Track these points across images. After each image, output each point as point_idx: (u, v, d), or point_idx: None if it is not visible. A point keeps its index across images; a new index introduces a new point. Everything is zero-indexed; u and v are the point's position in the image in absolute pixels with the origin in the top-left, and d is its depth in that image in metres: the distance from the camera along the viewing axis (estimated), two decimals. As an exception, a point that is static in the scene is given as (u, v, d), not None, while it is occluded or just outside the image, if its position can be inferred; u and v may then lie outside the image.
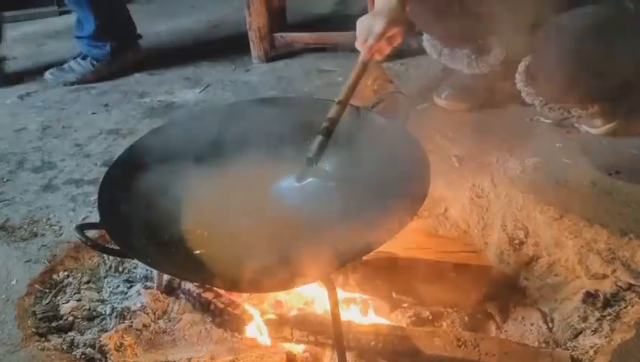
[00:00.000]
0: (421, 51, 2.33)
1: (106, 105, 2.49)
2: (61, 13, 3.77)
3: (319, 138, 1.30)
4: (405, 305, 1.41)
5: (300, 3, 3.32)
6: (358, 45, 1.46)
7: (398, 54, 2.66)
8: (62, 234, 1.66)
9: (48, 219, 1.73)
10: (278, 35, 2.89)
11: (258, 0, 2.72)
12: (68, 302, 1.45)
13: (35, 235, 1.67)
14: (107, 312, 1.42)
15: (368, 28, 1.44)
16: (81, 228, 1.07)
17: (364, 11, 2.63)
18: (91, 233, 1.41)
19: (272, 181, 1.34)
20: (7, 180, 1.96)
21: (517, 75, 1.86)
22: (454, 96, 2.12)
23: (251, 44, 2.82)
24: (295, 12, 3.16)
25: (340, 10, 3.48)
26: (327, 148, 1.30)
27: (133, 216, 1.17)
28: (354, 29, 1.49)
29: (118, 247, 1.08)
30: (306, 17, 3.23)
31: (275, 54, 2.87)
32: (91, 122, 2.34)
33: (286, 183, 1.32)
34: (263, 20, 2.78)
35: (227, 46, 3.04)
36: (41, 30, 3.54)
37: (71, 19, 3.69)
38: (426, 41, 2.08)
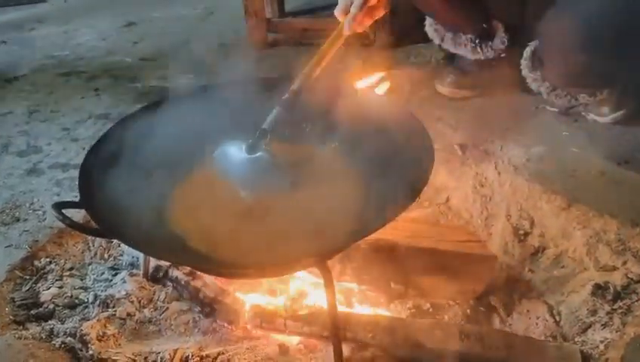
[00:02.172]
0: (422, 39, 2.27)
1: (96, 89, 2.41)
2: (51, -2, 3.70)
3: (277, 109, 1.26)
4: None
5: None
6: (337, 14, 1.35)
7: (398, 42, 2.61)
8: (45, 219, 1.59)
9: (32, 204, 1.66)
10: (275, 21, 2.82)
11: (255, -15, 2.65)
12: (49, 289, 1.38)
13: (17, 220, 1.60)
14: (90, 300, 1.35)
15: None
16: (59, 206, 1.00)
17: None
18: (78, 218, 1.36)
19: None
20: (-10, 164, 1.89)
21: (522, 60, 1.80)
22: (457, 83, 2.05)
23: (248, 30, 2.75)
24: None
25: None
26: (286, 120, 1.26)
27: (116, 196, 1.10)
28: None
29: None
30: (304, 4, 3.16)
31: (272, 41, 2.79)
32: (80, 107, 2.27)
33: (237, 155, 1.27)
34: (260, 6, 2.71)
35: (223, 32, 2.97)
36: (32, 15, 3.46)
37: (63, 4, 3.64)
38: (429, 26, 2.01)
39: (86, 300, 1.35)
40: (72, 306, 1.35)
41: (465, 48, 1.95)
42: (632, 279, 1.29)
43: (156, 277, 1.37)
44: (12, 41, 3.07)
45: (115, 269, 1.45)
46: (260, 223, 1.18)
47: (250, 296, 1.31)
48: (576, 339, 1.22)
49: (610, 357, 1.14)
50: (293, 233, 1.15)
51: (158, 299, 1.33)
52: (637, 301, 1.24)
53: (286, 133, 1.32)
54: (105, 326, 1.24)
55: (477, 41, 1.92)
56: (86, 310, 1.33)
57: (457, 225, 1.58)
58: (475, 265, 1.35)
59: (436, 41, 2.02)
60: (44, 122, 2.17)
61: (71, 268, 1.46)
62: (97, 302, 1.33)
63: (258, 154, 1.25)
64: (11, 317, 1.30)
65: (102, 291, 1.38)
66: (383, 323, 1.21)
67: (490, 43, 1.91)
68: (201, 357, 1.17)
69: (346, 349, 1.15)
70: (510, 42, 1.89)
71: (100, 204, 1.05)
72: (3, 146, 1.99)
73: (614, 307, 1.25)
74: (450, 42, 1.97)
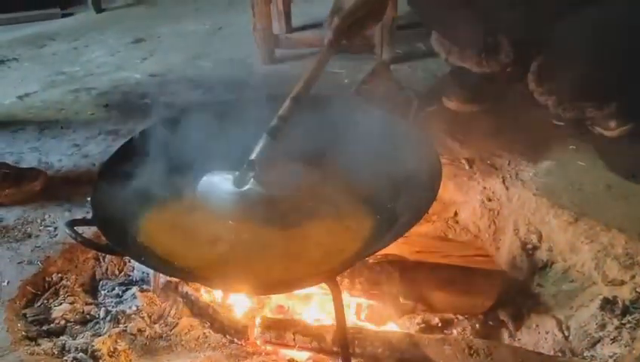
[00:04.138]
0: (429, 53, 2.28)
1: (106, 105, 2.44)
2: (64, 16, 3.73)
3: (264, 138, 1.20)
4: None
5: (305, 5, 3.28)
6: (326, 24, 1.30)
7: (405, 57, 2.63)
8: (56, 235, 1.60)
9: (43, 220, 1.67)
10: (282, 36, 2.84)
11: (263, 1, 2.67)
12: (60, 304, 1.40)
13: (29, 236, 1.61)
14: (101, 316, 1.36)
15: (339, 3, 1.28)
16: (72, 223, 1.02)
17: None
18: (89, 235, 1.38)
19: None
20: (2, 180, 1.90)
21: (529, 74, 1.80)
22: (464, 97, 2.05)
23: (255, 45, 2.77)
24: (300, 14, 3.11)
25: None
26: (274, 149, 1.19)
27: (127, 214, 1.12)
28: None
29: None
30: (311, 19, 3.18)
31: (279, 56, 2.82)
32: (90, 123, 2.29)
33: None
34: (268, 21, 2.73)
35: (231, 48, 2.99)
36: (43, 31, 3.50)
37: (73, 21, 3.69)
38: (435, 40, 2.02)
39: (97, 316, 1.37)
40: (84, 322, 1.36)
41: (471, 62, 1.95)
42: (640, 293, 1.29)
43: (166, 293, 1.37)
44: (23, 57, 3.10)
45: (126, 285, 1.46)
46: (271, 240, 1.18)
47: (259, 312, 1.32)
48: (585, 354, 1.22)
49: (620, 372, 1.14)
50: (303, 249, 1.16)
51: (168, 315, 1.33)
52: (646, 315, 1.24)
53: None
54: (116, 342, 1.25)
55: (483, 55, 1.91)
56: (97, 326, 1.34)
57: (465, 239, 1.59)
58: (484, 280, 1.35)
59: (442, 55, 2.02)
60: (55, 138, 2.18)
61: (82, 284, 1.48)
62: (108, 317, 1.34)
63: (247, 187, 1.20)
64: (24, 332, 1.30)
65: (113, 307, 1.39)
66: (392, 339, 1.20)
67: (496, 57, 1.91)
68: (212, 373, 1.17)
69: (355, 364, 1.15)
70: (516, 56, 1.89)
71: (112, 222, 1.06)
72: (14, 163, 2.00)
73: (623, 321, 1.24)
74: (457, 56, 1.97)
